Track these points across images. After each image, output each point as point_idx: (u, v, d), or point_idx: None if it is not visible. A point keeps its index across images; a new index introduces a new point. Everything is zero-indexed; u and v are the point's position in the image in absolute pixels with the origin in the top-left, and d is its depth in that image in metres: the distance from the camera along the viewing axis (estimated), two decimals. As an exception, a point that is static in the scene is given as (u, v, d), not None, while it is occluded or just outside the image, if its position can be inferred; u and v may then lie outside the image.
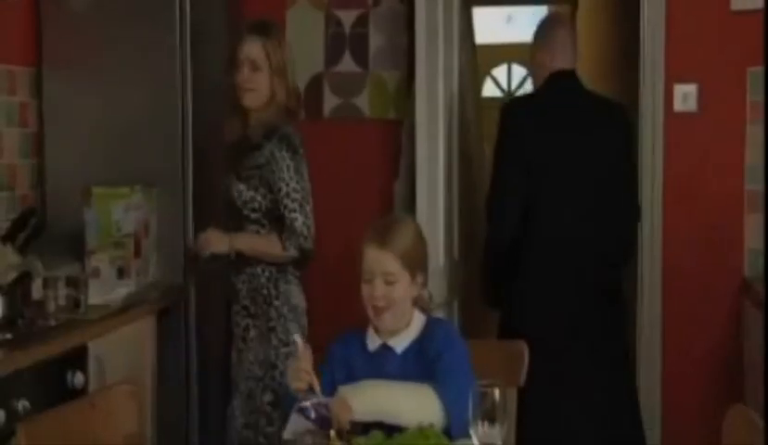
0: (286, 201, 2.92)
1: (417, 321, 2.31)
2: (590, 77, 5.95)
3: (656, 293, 3.70)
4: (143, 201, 3.34)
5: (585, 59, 6.03)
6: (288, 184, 2.92)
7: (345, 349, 2.32)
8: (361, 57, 4.02)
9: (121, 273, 3.22)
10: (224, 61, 3.12)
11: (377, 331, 2.30)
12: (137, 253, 3.29)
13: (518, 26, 8.45)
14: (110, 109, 3.45)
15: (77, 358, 2.77)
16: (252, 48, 2.99)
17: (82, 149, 3.48)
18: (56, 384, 2.67)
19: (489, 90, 8.03)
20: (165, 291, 3.36)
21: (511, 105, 3.53)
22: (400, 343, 2.28)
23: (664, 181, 3.68)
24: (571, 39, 3.47)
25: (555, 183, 3.28)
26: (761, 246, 3.59)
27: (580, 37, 5.95)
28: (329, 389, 2.17)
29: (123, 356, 3.02)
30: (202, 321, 3.48)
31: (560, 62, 3.36)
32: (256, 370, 2.99)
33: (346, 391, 2.12)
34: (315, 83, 4.07)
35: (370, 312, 2.27)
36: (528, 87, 8.43)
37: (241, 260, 3.02)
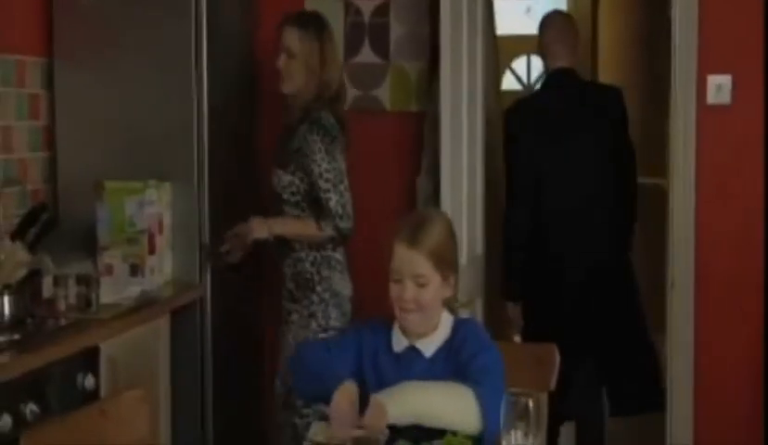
0: (320, 183, 3.02)
1: (446, 322, 2.21)
2: (609, 67, 5.88)
3: (688, 292, 3.56)
4: (157, 196, 3.26)
5: (605, 49, 5.95)
6: (320, 166, 3.02)
7: (374, 341, 2.22)
8: (381, 47, 3.91)
9: (135, 270, 3.15)
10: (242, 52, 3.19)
11: (403, 332, 2.20)
12: (151, 250, 3.21)
13: (537, 17, 8.33)
14: (124, 101, 3.38)
15: (88, 359, 2.68)
16: (288, 37, 3.12)
17: (94, 143, 3.40)
18: (66, 386, 2.58)
19: (508, 83, 7.90)
20: (180, 289, 3.28)
21: (512, 109, 3.75)
22: (428, 346, 2.18)
23: (697, 177, 3.54)
24: (567, 36, 3.75)
25: (560, 176, 3.59)
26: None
27: (601, 26, 5.92)
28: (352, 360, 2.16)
29: (136, 357, 2.94)
30: (219, 321, 3.40)
31: (558, 61, 3.70)
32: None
33: (382, 397, 2.01)
34: (334, 75, 3.95)
35: (397, 312, 2.17)
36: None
37: (286, 245, 3.12)
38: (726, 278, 3.55)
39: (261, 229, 3.10)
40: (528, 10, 8.44)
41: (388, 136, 3.95)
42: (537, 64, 8.41)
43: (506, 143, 3.69)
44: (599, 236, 3.64)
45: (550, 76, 3.73)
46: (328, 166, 3.02)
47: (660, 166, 5.29)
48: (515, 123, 3.65)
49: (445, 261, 2.17)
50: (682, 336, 3.56)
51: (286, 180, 3.07)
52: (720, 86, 3.52)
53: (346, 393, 2.03)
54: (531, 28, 8.06)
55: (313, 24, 3.16)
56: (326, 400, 2.04)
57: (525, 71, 8.45)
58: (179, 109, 3.33)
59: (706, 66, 3.52)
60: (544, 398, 2.33)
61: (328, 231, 3.02)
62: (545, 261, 3.61)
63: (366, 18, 3.91)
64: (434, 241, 2.16)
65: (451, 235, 2.23)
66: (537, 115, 3.63)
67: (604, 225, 3.65)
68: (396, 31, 3.89)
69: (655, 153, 5.35)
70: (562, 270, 3.59)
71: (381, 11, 3.90)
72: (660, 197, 5.23)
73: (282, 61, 3.12)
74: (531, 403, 1.82)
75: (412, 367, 2.14)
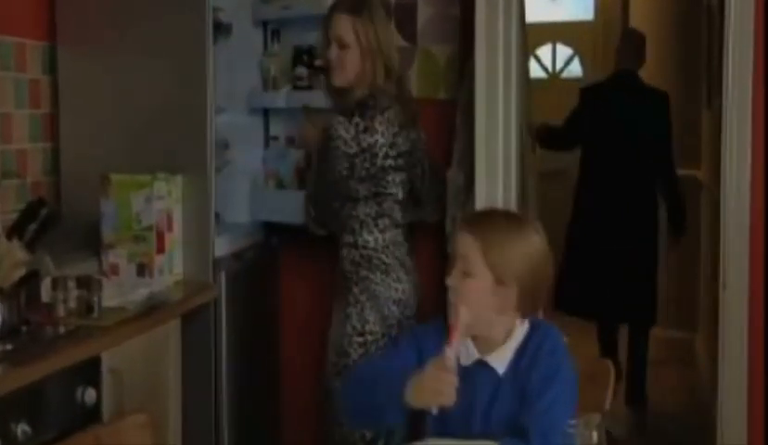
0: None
1: (519, 331, 2.00)
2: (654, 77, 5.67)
3: (742, 294, 3.30)
4: (167, 190, 3.05)
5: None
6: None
7: (435, 347, 1.98)
8: (408, 29, 3.64)
9: (142, 270, 2.97)
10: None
11: (474, 341, 1.99)
12: (160, 248, 3.01)
13: (563, 5, 8.08)
14: (131, 89, 3.16)
15: (89, 371, 2.44)
16: (339, 26, 2.92)
17: (100, 133, 3.19)
18: (63, 403, 2.34)
19: (533, 70, 7.63)
20: (192, 291, 3.05)
21: (584, 89, 4.96)
22: (499, 360, 1.97)
23: (752, 172, 3.28)
24: (633, 48, 4.84)
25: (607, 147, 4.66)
26: None
27: (633, 9, 5.69)
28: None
29: (143, 367, 2.70)
30: (234, 324, 3.19)
31: (622, 64, 4.82)
32: (332, 354, 2.93)
33: None
34: (357, 60, 3.69)
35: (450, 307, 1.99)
36: (573, 68, 8.12)
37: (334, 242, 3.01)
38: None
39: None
40: (554, -3, 8.21)
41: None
42: (563, 52, 8.19)
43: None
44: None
45: (614, 73, 4.85)
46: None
47: (694, 155, 5.09)
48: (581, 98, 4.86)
49: (503, 264, 1.94)
50: (734, 338, 3.32)
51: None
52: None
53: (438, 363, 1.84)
54: (556, 15, 7.91)
55: (366, 7, 2.94)
56: (385, 413, 1.87)
57: (550, 59, 8.21)
58: (192, 97, 3.10)
59: (762, 49, 3.24)
60: (598, 419, 2.08)
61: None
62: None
63: (393, -2, 3.65)
64: (496, 234, 1.95)
65: (527, 246, 1.98)
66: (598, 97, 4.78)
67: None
68: (424, 12, 3.63)
69: (689, 143, 5.14)
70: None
71: (408, -9, 3.64)
72: (694, 188, 5.05)
73: (334, 53, 2.93)
74: (595, 436, 1.58)
75: (480, 385, 1.94)
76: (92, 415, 2.38)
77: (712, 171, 4.04)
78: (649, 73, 5.44)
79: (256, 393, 3.41)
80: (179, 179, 3.09)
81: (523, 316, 2.01)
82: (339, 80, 2.95)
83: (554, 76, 8.21)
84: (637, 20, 5.71)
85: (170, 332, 2.87)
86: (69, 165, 3.22)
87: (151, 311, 2.78)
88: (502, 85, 3.14)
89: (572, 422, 1.64)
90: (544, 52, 8.19)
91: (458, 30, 3.58)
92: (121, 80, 3.16)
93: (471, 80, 3.13)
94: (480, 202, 2.93)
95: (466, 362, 1.97)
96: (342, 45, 2.92)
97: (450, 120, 3.58)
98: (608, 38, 7.63)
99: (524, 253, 1.97)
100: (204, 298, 3.06)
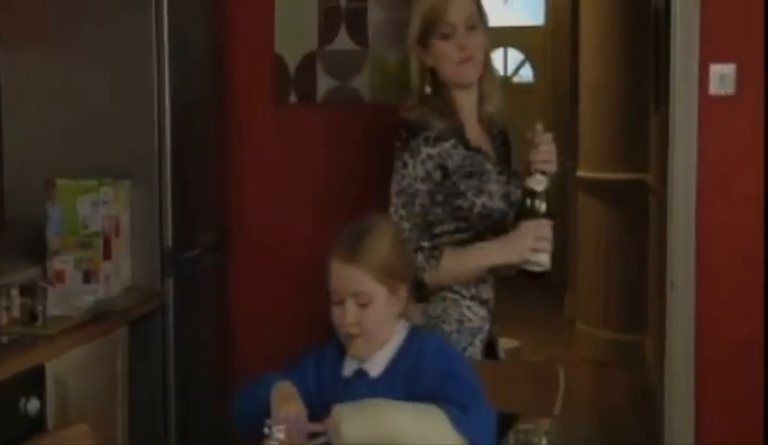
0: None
1: (398, 334, 1.95)
2: (591, 60, 5.68)
3: (689, 293, 3.35)
4: (114, 195, 3.01)
5: (587, 42, 5.74)
6: None
7: (324, 368, 1.97)
8: (359, 33, 3.63)
9: (88, 277, 2.91)
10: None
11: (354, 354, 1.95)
12: (107, 254, 2.96)
13: (515, 8, 8.13)
14: (78, 92, 3.11)
15: (32, 381, 2.39)
16: (467, 4, 2.30)
17: (44, 137, 3.14)
18: (6, 413, 2.29)
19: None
20: (139, 298, 3.01)
21: None
22: (375, 364, 1.92)
23: (698, 173, 3.32)
24: None
25: None
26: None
27: (583, 18, 5.72)
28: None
29: (89, 376, 2.66)
30: (183, 332, 3.14)
31: None
32: None
33: (341, 412, 1.75)
34: (307, 64, 3.67)
35: (343, 338, 1.92)
36: (524, 72, 8.17)
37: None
38: (729, 278, 3.34)
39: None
40: (505, 1, 8.25)
41: (366, 131, 3.68)
42: (514, 56, 8.25)
43: None
44: None
45: None
46: None
47: (642, 161, 5.15)
48: None
49: (391, 272, 1.91)
50: (681, 336, 3.39)
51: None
52: (723, 76, 3.29)
53: (284, 391, 1.81)
54: (508, 19, 7.96)
55: None
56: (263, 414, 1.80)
57: (502, 63, 8.26)
58: (139, 101, 3.07)
59: (708, 54, 3.29)
60: (547, 424, 2.08)
61: None
62: None
63: (343, 1, 3.63)
64: (375, 252, 1.89)
65: (396, 241, 1.96)
66: None
67: None
68: (375, 15, 3.62)
69: (636, 148, 5.19)
70: None
71: (359, -6, 3.63)
72: (643, 193, 5.11)
73: (463, 39, 2.26)
74: (544, 441, 1.58)
75: (356, 392, 1.88)
76: (36, 426, 2.34)
77: (659, 174, 4.09)
78: (599, 79, 5.51)
79: (208, 400, 3.36)
80: (126, 184, 3.05)
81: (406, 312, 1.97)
82: (472, 73, 2.31)
83: (505, 80, 8.27)
84: (587, 26, 5.74)
85: (117, 339, 2.82)
86: (12, 170, 3.15)
87: (98, 318, 2.74)
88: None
89: (525, 426, 1.64)
90: (496, 56, 8.25)
91: (410, 33, 3.58)
92: (65, 82, 3.11)
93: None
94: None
95: (347, 373, 1.94)
96: (470, 27, 2.28)
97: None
98: (559, 43, 7.71)
99: (398, 249, 1.95)
100: (152, 305, 3.02)
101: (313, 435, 1.76)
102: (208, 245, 3.44)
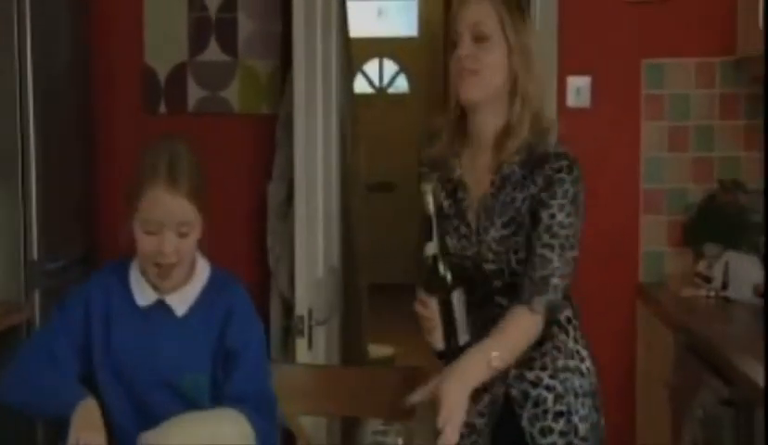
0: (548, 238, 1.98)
1: (201, 271, 1.95)
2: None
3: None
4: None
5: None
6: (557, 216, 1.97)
7: (105, 301, 1.94)
8: (229, 44, 3.65)
9: None
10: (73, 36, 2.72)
11: (150, 282, 1.92)
12: (-35, 267, 2.87)
13: (389, 20, 8.25)
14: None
15: None
16: (478, 10, 1.97)
17: None
18: None
19: (359, 86, 7.77)
20: (1, 312, 2.91)
21: None
22: (180, 302, 1.91)
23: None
24: None
25: None
26: (657, 248, 3.43)
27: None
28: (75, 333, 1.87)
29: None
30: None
31: None
32: None
33: (148, 438, 1.75)
34: (178, 74, 3.68)
35: (152, 271, 1.89)
36: (399, 83, 8.29)
37: None
38: (586, 285, 3.46)
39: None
40: (379, 13, 8.37)
41: (236, 140, 3.71)
42: (389, 67, 8.37)
43: None
44: None
45: None
46: (569, 219, 1.97)
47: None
48: None
49: (204, 199, 1.90)
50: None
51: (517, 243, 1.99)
52: (580, 89, 3.44)
53: (87, 417, 1.75)
54: (382, 31, 8.07)
55: None
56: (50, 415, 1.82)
57: (377, 74, 8.37)
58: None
59: (565, 67, 3.44)
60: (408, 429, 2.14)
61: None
62: None
63: (213, 12, 3.65)
64: (192, 179, 1.87)
65: (197, 163, 1.94)
66: None
67: None
68: (245, 27, 3.65)
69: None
70: None
71: (229, 6, 3.65)
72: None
73: (465, 49, 1.96)
74: (400, 442, 1.64)
75: (162, 327, 1.87)
76: None
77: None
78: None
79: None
80: (-13, 193, 2.98)
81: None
82: (473, 91, 1.96)
83: (381, 91, 8.38)
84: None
85: (-23, 355, 2.75)
86: None
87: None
88: (321, 99, 3.18)
89: (381, 428, 1.69)
90: (371, 67, 8.34)
91: (280, 44, 3.61)
92: None
93: (291, 94, 3.14)
94: (301, 215, 2.94)
95: (143, 302, 1.91)
96: (480, 38, 1.96)
97: (272, 135, 3.61)
98: (432, 55, 7.88)
99: (198, 168, 1.93)
100: (15, 320, 2.94)
101: None
102: (74, 257, 3.38)
